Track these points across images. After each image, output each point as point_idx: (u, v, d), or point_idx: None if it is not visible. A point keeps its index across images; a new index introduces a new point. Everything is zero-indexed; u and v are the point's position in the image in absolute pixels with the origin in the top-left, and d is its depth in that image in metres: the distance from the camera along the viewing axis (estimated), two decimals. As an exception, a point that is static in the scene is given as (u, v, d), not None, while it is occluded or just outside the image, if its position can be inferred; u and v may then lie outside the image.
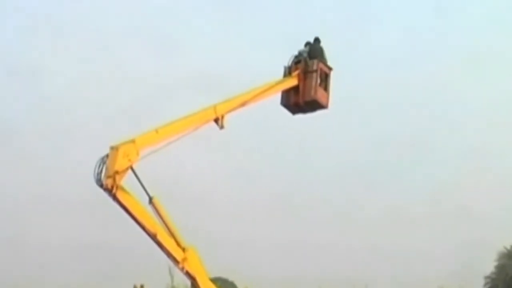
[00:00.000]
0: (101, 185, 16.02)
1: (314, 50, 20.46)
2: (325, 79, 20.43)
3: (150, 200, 16.37)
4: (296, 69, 20.21)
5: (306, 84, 20.15)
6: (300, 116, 20.58)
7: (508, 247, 38.14)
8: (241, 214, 39.52)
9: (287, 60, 20.43)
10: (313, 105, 20.32)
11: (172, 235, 16.58)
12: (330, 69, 20.55)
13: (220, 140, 18.76)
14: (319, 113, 20.44)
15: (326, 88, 20.44)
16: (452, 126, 45.55)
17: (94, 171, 16.10)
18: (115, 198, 16.05)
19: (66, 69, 46.26)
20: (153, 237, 16.40)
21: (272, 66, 20.30)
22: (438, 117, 46.27)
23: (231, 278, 33.80)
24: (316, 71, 20.21)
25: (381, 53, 48.07)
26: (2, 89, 46.69)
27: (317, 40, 20.65)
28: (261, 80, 19.61)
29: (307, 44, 20.62)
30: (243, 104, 18.71)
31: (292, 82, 20.05)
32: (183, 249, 16.71)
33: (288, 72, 20.25)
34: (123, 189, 16.11)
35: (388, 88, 45.62)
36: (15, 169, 41.61)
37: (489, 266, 37.03)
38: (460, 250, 37.99)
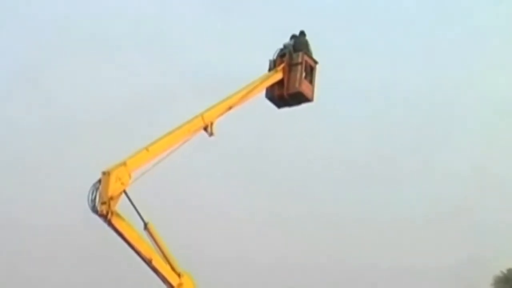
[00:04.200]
0: (96, 212, 16.42)
1: (299, 43, 20.89)
2: (310, 72, 20.96)
3: (145, 226, 16.87)
4: (281, 62, 20.66)
5: (290, 77, 20.68)
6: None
7: (504, 271, 39.37)
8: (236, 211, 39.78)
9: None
10: (298, 98, 20.88)
11: (167, 260, 17.18)
12: (315, 62, 21.05)
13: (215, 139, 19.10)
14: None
15: (311, 82, 20.96)
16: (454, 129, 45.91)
17: (88, 198, 16.46)
18: (110, 224, 16.50)
19: (63, 72, 44.92)
20: (149, 262, 16.97)
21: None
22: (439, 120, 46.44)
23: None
24: (301, 63, 20.71)
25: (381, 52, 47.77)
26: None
27: (302, 33, 21.08)
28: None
29: (293, 37, 20.99)
30: (230, 107, 19.17)
31: (277, 76, 20.56)
32: (179, 275, 17.35)
33: (273, 65, 20.71)
34: (118, 215, 16.54)
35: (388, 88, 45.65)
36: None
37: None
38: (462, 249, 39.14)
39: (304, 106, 21.22)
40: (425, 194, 41.63)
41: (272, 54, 20.94)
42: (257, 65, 21.53)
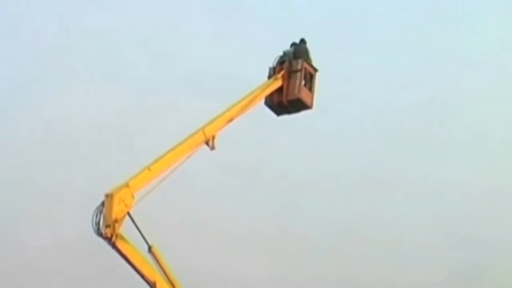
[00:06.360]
0: (101, 235, 16.37)
1: (299, 50, 20.97)
2: (310, 80, 21.03)
3: (149, 249, 16.84)
4: (281, 69, 20.73)
5: (290, 84, 20.74)
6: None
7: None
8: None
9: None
10: (297, 105, 20.95)
11: (171, 283, 17.18)
12: (315, 70, 21.12)
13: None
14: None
15: (311, 89, 21.01)
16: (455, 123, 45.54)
17: (92, 221, 16.44)
18: (114, 247, 16.48)
19: (64, 74, 44.19)
20: (153, 285, 16.97)
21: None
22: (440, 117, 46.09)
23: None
24: (300, 70, 20.76)
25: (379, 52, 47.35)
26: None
27: (302, 41, 21.18)
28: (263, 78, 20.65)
29: (293, 44, 21.08)
30: (231, 119, 19.26)
31: (277, 83, 20.62)
32: (183, 297, 17.39)
33: (273, 72, 20.77)
34: (122, 237, 16.56)
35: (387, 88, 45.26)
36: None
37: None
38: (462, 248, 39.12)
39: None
40: (419, 208, 41.68)
41: (273, 55, 21.05)
42: (259, 66, 21.49)
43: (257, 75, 21.10)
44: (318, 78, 21.10)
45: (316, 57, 21.57)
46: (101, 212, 16.43)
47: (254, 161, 38.52)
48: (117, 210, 16.42)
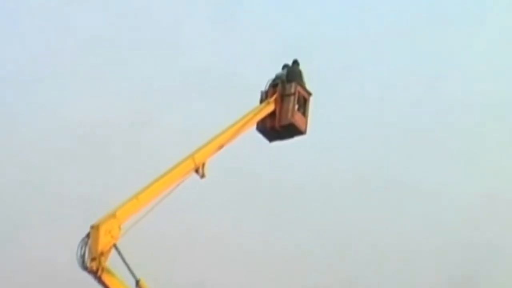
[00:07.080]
0: (86, 268, 16.13)
1: (292, 73, 20.45)
2: (303, 104, 20.50)
3: (137, 283, 16.59)
4: (274, 93, 20.24)
5: (283, 108, 20.20)
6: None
7: None
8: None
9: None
10: (290, 130, 20.41)
11: (159, 316, 17.02)
12: (309, 94, 20.62)
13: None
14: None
15: (304, 113, 20.52)
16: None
17: (77, 254, 16.17)
18: (100, 280, 16.23)
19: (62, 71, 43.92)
20: (140, 320, 16.77)
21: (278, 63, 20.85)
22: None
23: None
24: (293, 94, 20.22)
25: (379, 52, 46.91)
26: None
27: (295, 62, 20.67)
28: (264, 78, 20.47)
29: (285, 66, 20.60)
30: (221, 146, 18.89)
31: (269, 108, 20.12)
32: (171, 330, 17.19)
33: (265, 96, 20.29)
34: (108, 271, 16.28)
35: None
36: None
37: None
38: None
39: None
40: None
41: (274, 56, 21.13)
42: (260, 67, 21.19)
43: (258, 76, 20.82)
44: (311, 102, 20.69)
45: (316, 57, 21.28)
46: (86, 244, 16.16)
47: (252, 169, 38.31)
48: (103, 242, 16.13)
